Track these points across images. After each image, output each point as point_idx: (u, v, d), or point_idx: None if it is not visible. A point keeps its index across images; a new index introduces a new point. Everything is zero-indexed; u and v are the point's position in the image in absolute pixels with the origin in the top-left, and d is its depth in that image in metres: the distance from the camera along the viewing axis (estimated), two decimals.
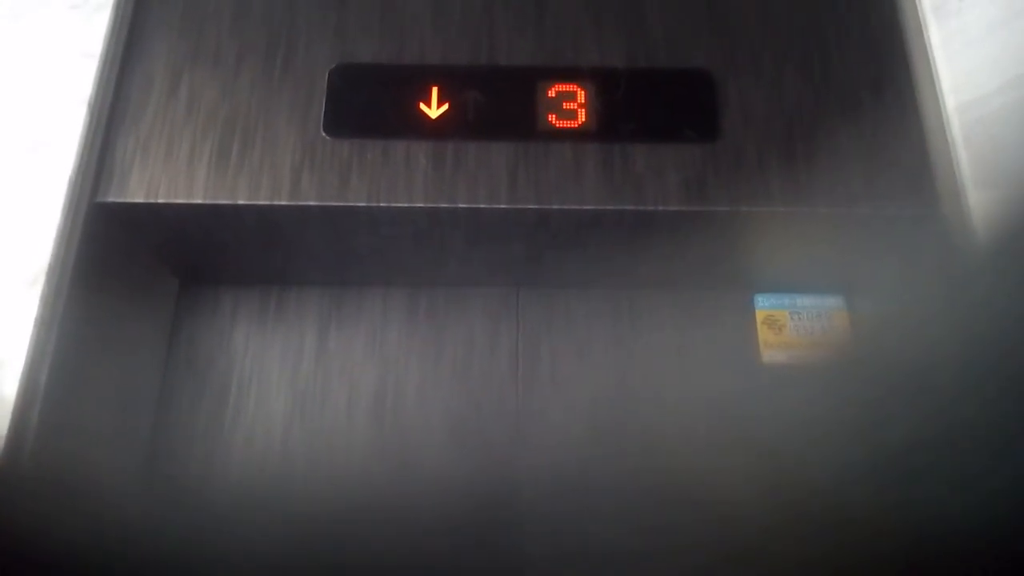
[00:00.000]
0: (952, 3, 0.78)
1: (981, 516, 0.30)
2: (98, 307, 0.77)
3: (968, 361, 0.32)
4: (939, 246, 0.74)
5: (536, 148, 0.77)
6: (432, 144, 0.77)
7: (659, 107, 0.79)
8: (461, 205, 0.75)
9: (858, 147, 0.76)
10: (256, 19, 0.82)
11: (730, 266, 0.89)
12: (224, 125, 0.77)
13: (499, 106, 0.79)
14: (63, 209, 0.71)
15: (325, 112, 0.78)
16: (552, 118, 0.78)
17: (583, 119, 0.78)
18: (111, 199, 0.75)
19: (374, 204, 0.75)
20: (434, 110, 0.78)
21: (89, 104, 0.75)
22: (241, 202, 0.75)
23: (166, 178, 0.75)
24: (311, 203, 0.75)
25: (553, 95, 0.79)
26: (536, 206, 0.75)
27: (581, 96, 0.79)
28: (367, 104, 0.79)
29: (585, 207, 0.75)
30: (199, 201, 0.75)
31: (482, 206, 0.75)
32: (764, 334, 0.93)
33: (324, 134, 0.77)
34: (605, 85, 0.79)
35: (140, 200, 0.75)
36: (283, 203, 0.75)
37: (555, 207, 0.75)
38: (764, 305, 0.94)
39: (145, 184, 0.75)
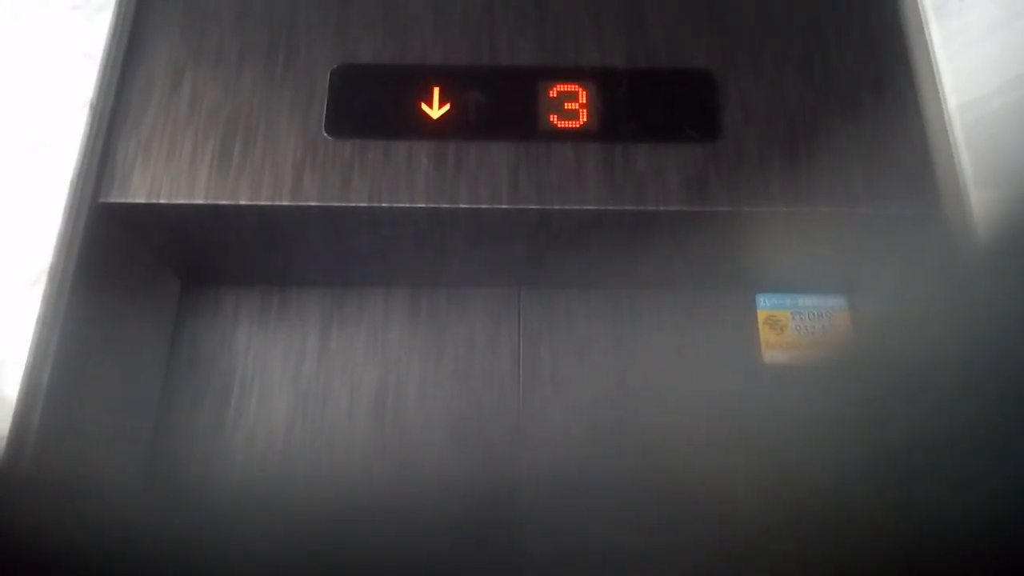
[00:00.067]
0: (953, 3, 0.77)
1: (981, 516, 0.30)
2: (100, 307, 0.77)
3: (969, 361, 0.32)
4: (940, 246, 0.74)
5: (537, 148, 0.77)
6: (433, 144, 0.77)
7: (660, 107, 0.79)
8: (462, 205, 0.75)
9: (859, 147, 0.76)
10: (257, 19, 0.82)
11: (731, 266, 0.89)
12: (226, 125, 0.77)
13: (500, 106, 0.79)
14: (65, 209, 0.72)
15: (327, 112, 0.78)
16: (553, 118, 0.78)
17: (584, 119, 0.78)
18: (113, 199, 0.75)
19: (375, 204, 0.75)
20: (435, 110, 0.78)
21: (91, 105, 0.75)
22: (243, 202, 0.75)
23: (168, 178, 0.75)
24: (312, 203, 0.75)
25: (554, 95, 0.79)
26: (537, 206, 0.75)
27: (582, 96, 0.79)
28: (369, 104, 0.79)
29: (586, 207, 0.75)
30: (201, 201, 0.75)
31: (483, 206, 0.75)
32: (766, 334, 0.93)
33: (326, 134, 0.77)
34: (606, 85, 0.79)
35: (142, 200, 0.75)
36: (284, 203, 0.75)
37: (556, 207, 0.75)
38: (765, 305, 0.94)
39: (147, 184, 0.75)
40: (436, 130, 0.77)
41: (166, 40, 0.81)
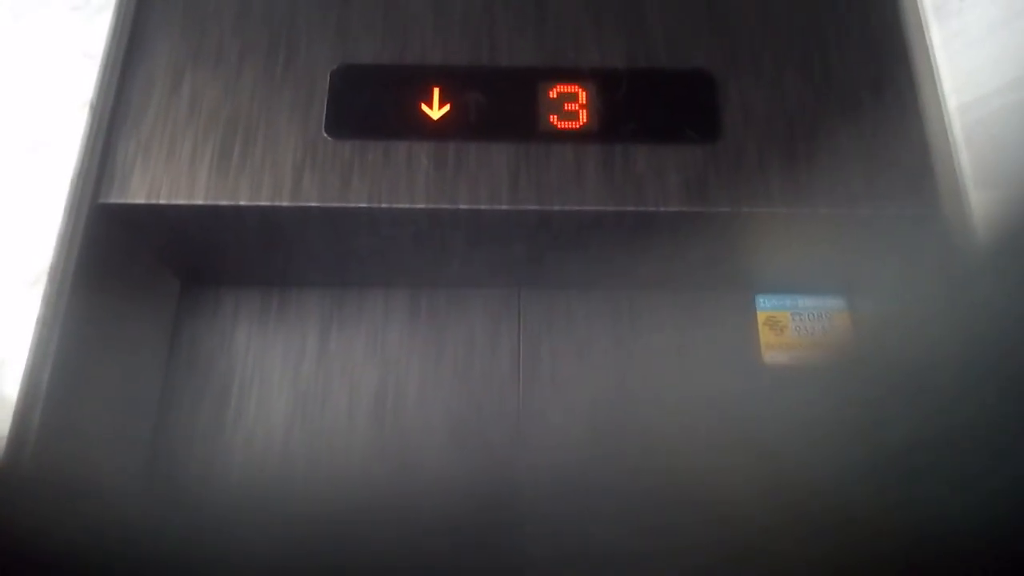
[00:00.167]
0: (953, 3, 0.78)
1: (981, 516, 0.30)
2: (100, 308, 0.77)
3: (968, 361, 0.32)
4: (940, 246, 0.74)
5: (537, 149, 0.77)
6: (433, 145, 0.77)
7: (660, 108, 0.79)
8: (462, 206, 0.75)
9: (859, 147, 0.76)
10: (257, 19, 0.82)
11: (731, 267, 0.89)
12: (226, 125, 0.77)
13: (500, 107, 0.79)
14: (65, 210, 0.72)
15: (327, 113, 0.78)
16: (553, 119, 0.78)
17: (584, 120, 0.78)
18: (113, 200, 0.75)
19: (375, 205, 0.75)
20: (435, 111, 0.78)
21: (91, 105, 0.75)
22: (242, 203, 0.75)
23: (167, 179, 0.75)
24: (312, 204, 0.75)
25: (554, 96, 0.79)
26: (537, 207, 0.75)
27: (582, 97, 0.79)
28: (368, 105, 0.79)
29: (586, 208, 0.75)
30: (200, 202, 0.75)
31: (483, 207, 0.75)
32: (765, 335, 0.93)
33: (325, 135, 0.77)
34: (606, 86, 0.79)
35: (141, 201, 0.75)
36: (284, 204, 0.75)
37: (556, 208, 0.75)
38: (765, 306, 0.94)
39: (147, 185, 0.75)
40: (436, 131, 0.77)
41: (166, 40, 0.81)
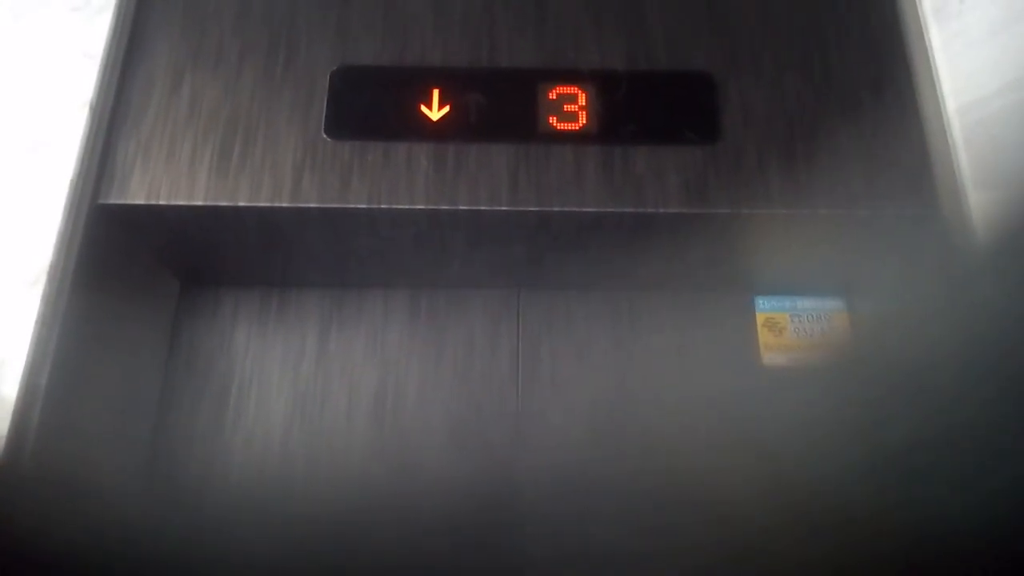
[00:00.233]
0: (953, 5, 0.78)
1: (981, 516, 0.30)
2: (99, 308, 0.77)
3: (968, 361, 0.32)
4: (939, 247, 0.74)
5: (537, 150, 0.77)
6: (433, 146, 0.77)
7: (660, 109, 0.79)
8: (462, 207, 0.75)
9: (858, 148, 0.77)
10: (257, 19, 0.82)
11: (730, 268, 0.89)
12: (226, 126, 0.77)
13: (500, 108, 0.79)
14: (64, 210, 0.72)
15: (326, 114, 0.78)
16: (553, 120, 0.78)
17: (584, 121, 0.78)
18: (112, 201, 0.75)
19: (375, 206, 0.75)
20: (435, 112, 0.78)
21: (91, 105, 0.75)
22: (242, 204, 0.75)
23: (167, 180, 0.75)
24: (312, 205, 0.75)
25: (554, 97, 0.79)
26: (537, 208, 0.75)
27: (582, 98, 0.79)
28: (368, 106, 0.79)
29: (586, 209, 0.75)
30: (200, 203, 0.75)
31: (483, 208, 0.75)
32: (764, 336, 0.93)
33: (325, 136, 0.77)
34: (606, 87, 0.79)
35: (141, 202, 0.75)
36: (284, 205, 0.75)
37: (556, 209, 0.75)
38: (764, 307, 0.94)
39: (146, 186, 0.75)
40: (436, 132, 0.77)
41: (166, 40, 0.81)
